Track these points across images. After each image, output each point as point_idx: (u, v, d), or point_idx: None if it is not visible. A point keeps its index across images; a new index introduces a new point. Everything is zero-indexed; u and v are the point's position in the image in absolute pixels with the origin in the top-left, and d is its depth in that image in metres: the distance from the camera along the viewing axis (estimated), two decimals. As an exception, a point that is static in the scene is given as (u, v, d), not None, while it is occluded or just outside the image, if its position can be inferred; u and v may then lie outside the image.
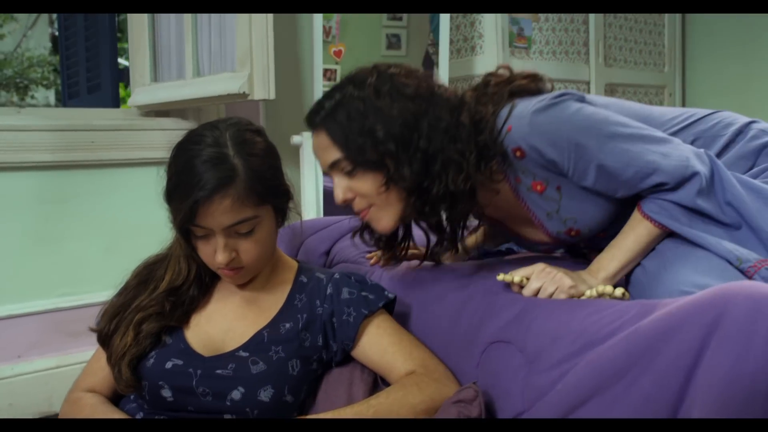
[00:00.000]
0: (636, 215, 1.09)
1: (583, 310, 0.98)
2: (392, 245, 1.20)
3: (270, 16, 1.91)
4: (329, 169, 1.12)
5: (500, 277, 1.10)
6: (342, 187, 1.10)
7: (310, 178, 2.25)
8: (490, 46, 2.68)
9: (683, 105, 3.40)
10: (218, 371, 1.07)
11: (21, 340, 2.00)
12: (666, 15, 3.27)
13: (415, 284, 1.27)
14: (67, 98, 2.85)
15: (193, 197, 1.00)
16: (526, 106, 1.08)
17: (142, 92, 2.26)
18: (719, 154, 1.15)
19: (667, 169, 1.03)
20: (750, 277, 0.99)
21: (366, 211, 1.11)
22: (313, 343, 1.13)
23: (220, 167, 1.02)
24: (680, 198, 1.05)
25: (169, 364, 1.08)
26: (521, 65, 2.76)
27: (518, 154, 1.09)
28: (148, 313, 1.09)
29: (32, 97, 6.16)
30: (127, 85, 2.42)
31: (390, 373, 1.10)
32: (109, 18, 2.51)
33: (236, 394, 1.05)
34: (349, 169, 1.09)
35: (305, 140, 2.26)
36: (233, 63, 2.00)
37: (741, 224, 1.05)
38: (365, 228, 1.22)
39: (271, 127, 2.44)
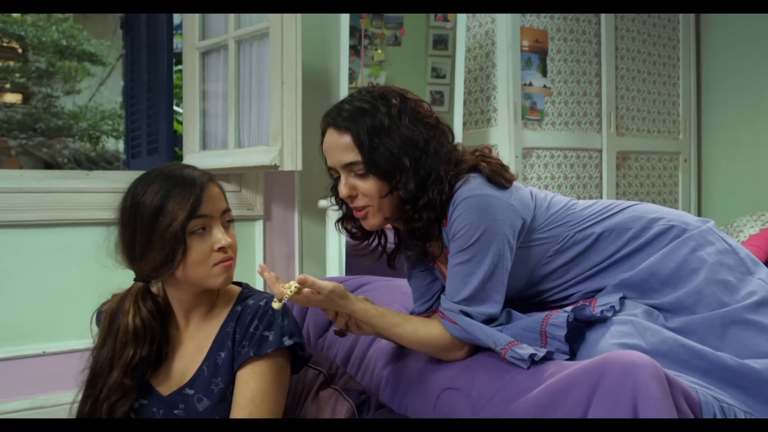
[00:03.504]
0: (439, 324, 1.27)
1: (515, 367, 1.20)
2: (365, 238, 1.39)
3: (299, 98, 2.21)
4: (341, 168, 1.27)
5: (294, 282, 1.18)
6: (349, 185, 1.26)
7: (334, 237, 2.50)
8: (503, 118, 2.93)
9: (699, 171, 3.56)
10: (175, 412, 1.23)
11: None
12: (680, 85, 3.46)
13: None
14: (130, 158, 3.22)
15: (197, 186, 1.18)
16: (471, 186, 1.24)
17: (192, 158, 2.59)
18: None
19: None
20: (503, 357, 1.18)
21: (364, 210, 1.28)
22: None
23: (198, 169, 1.25)
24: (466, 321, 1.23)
25: (135, 404, 1.24)
26: (534, 135, 2.99)
27: (444, 223, 1.27)
28: (113, 401, 1.21)
29: (103, 147, 6.75)
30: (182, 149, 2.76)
31: None
32: (168, 88, 2.86)
33: None
34: (362, 172, 1.25)
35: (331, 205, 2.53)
36: (268, 137, 2.31)
37: None
38: (346, 219, 1.39)
39: (303, 192, 2.74)
